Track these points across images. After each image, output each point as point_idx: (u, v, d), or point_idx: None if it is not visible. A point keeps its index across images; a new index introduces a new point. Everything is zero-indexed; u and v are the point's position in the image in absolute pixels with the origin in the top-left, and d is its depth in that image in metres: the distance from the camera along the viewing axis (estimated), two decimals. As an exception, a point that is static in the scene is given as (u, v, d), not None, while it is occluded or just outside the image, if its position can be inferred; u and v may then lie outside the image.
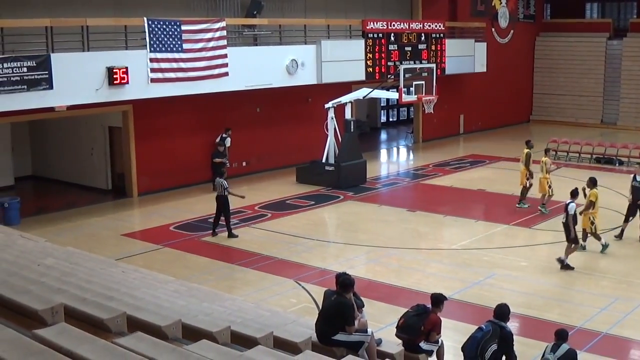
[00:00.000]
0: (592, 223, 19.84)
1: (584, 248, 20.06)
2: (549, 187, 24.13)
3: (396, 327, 11.58)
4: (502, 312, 10.89)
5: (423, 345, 11.24)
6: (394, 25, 34.23)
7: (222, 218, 21.85)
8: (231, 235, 21.87)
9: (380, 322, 14.17)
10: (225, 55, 26.77)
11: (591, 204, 19.65)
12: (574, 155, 33.86)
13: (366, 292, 15.63)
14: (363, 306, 11.56)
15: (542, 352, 10.74)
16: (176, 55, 25.35)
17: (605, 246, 20.00)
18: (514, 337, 10.97)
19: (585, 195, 19.71)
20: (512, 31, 45.43)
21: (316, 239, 21.74)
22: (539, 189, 24.41)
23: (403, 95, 30.42)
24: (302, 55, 30.20)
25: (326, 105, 28.82)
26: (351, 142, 29.10)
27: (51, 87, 22.13)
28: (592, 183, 19.97)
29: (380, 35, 33.50)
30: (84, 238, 21.80)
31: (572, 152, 34.06)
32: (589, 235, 20.05)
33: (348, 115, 29.50)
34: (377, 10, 36.64)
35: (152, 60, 24.71)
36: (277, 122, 31.60)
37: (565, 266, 18.38)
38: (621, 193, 25.67)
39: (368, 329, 10.65)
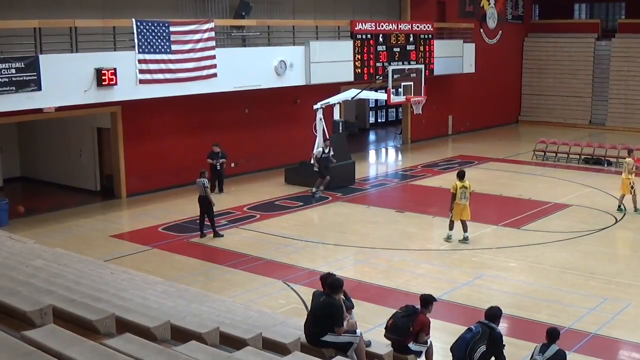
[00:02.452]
0: (451, 211, 21.03)
1: (449, 238, 21.18)
2: (632, 187, 24.00)
3: (385, 328, 11.58)
4: (493, 314, 10.91)
5: (412, 346, 11.24)
6: (382, 26, 34.25)
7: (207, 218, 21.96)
8: (217, 234, 21.88)
9: (369, 323, 14.17)
10: (213, 57, 26.76)
11: (453, 196, 20.83)
12: (563, 156, 33.92)
13: (355, 293, 15.62)
14: (352, 307, 11.58)
15: (531, 352, 10.76)
16: (165, 57, 25.33)
17: (448, 237, 21.16)
18: (503, 337, 11.00)
19: None
20: (500, 32, 45.54)
21: (305, 240, 21.73)
22: (621, 189, 24.32)
23: (392, 96, 30.47)
24: (290, 56, 30.22)
25: (315, 106, 28.78)
26: (340, 143, 29.11)
27: (40, 89, 22.08)
28: (459, 176, 21.25)
29: (369, 36, 33.52)
30: (72, 239, 21.75)
31: (560, 152, 34.12)
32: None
33: (337, 116, 29.57)
34: (366, 11, 36.68)
35: (140, 61, 24.68)
36: (266, 123, 31.59)
37: None
38: (609, 193, 25.81)
39: (357, 330, 10.66)
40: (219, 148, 27.20)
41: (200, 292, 15.17)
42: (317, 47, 31.28)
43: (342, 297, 10.81)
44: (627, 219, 23.33)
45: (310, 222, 24.56)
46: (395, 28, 34.93)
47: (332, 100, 29.25)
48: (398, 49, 34.88)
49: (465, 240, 20.86)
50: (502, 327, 11.12)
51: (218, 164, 27.14)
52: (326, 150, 26.49)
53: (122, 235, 22.77)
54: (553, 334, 10.67)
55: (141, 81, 24.75)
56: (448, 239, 21.11)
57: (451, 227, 21.07)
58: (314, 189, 26.66)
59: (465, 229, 20.93)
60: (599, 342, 14.37)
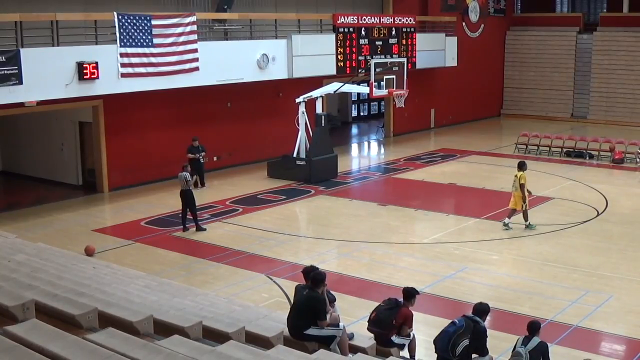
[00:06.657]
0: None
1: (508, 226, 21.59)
2: None
3: (368, 321, 11.60)
4: (482, 309, 10.95)
5: (395, 339, 11.28)
6: (364, 19, 34.24)
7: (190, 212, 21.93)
8: (199, 228, 21.85)
9: (352, 316, 14.21)
10: (195, 50, 26.69)
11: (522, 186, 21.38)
12: (545, 149, 34.01)
13: (338, 286, 15.68)
14: (334, 300, 11.60)
15: (513, 345, 10.80)
16: (146, 50, 25.24)
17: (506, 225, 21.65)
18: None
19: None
20: (482, 25, 45.56)
21: (287, 234, 21.74)
22: None
23: (374, 89, 30.52)
24: (272, 50, 30.16)
25: (297, 100, 28.81)
26: (322, 137, 29.09)
27: (21, 82, 21.93)
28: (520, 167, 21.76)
29: (351, 29, 33.50)
30: (54, 234, 21.67)
31: (542, 146, 34.22)
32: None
33: (319, 109, 29.52)
34: (348, 4, 36.66)
35: (122, 55, 24.58)
36: (248, 117, 31.55)
37: None
38: (591, 186, 25.92)
39: (340, 323, 10.69)
40: (198, 142, 27.13)
41: (183, 286, 15.16)
42: (300, 41, 31.24)
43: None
44: (609, 212, 23.44)
45: (292, 216, 24.56)
46: (378, 21, 34.93)
47: (315, 93, 29.24)
48: (380, 43, 34.88)
49: (505, 226, 21.58)
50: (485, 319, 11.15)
51: (201, 157, 27.07)
52: None
53: (105, 229, 22.68)
54: (533, 326, 10.73)
55: (123, 75, 24.65)
56: (506, 226, 21.65)
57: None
58: None
59: (509, 215, 21.68)
60: (580, 334, 14.45)
